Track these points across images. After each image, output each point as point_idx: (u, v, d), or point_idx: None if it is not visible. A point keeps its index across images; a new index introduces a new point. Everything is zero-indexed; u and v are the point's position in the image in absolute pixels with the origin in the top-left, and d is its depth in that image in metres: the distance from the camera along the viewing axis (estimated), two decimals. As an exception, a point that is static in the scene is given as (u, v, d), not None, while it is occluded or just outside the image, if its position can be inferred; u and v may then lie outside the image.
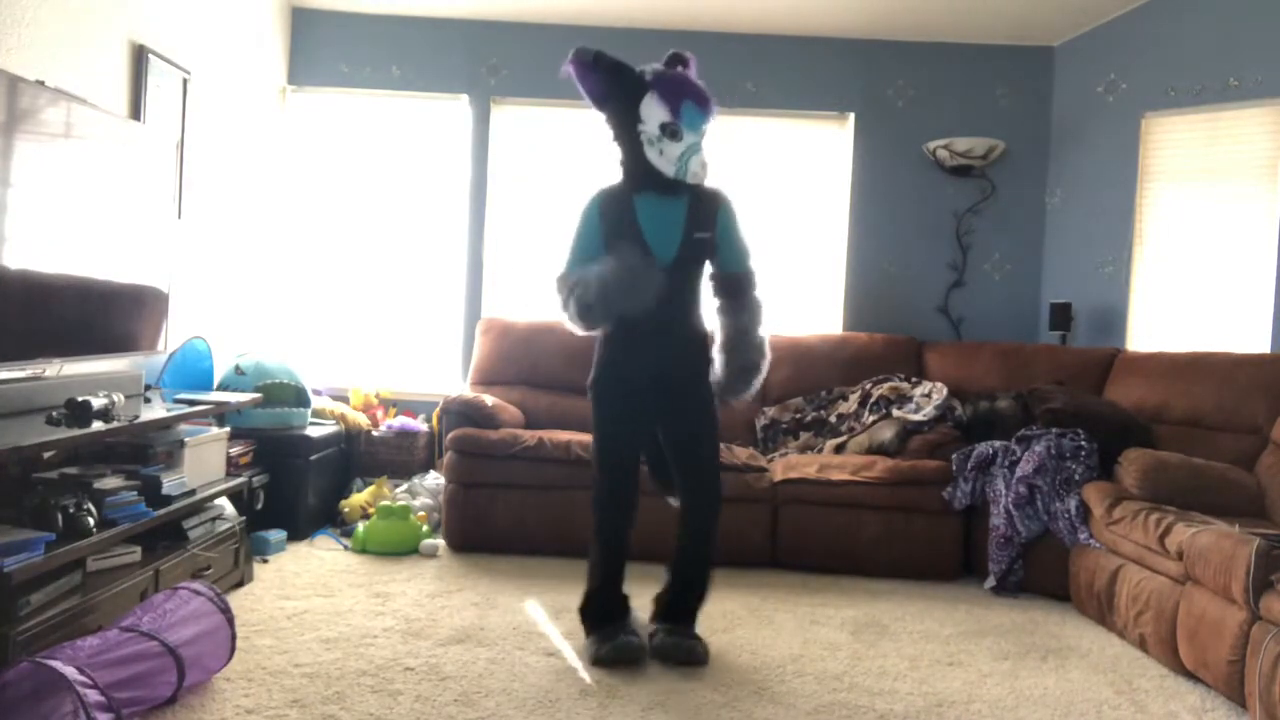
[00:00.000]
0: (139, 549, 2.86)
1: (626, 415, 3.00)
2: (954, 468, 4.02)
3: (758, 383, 3.05)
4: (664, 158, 2.85)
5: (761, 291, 3.08)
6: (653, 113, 2.84)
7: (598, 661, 2.86)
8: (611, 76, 2.89)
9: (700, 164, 2.83)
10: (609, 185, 3.01)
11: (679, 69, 3.00)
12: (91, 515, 2.60)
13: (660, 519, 3.20)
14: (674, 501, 3.15)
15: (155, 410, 3.14)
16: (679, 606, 3.04)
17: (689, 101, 2.83)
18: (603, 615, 2.99)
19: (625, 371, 2.98)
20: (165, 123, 3.91)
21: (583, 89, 2.94)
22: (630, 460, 3.03)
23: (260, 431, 4.11)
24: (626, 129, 2.91)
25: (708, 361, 3.06)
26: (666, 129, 2.82)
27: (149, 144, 3.42)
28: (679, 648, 2.92)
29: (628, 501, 3.01)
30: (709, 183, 2.99)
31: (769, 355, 3.07)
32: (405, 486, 4.57)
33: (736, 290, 3.05)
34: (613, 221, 2.94)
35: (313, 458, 4.25)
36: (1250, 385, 3.92)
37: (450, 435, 4.15)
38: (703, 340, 3.06)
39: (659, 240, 2.91)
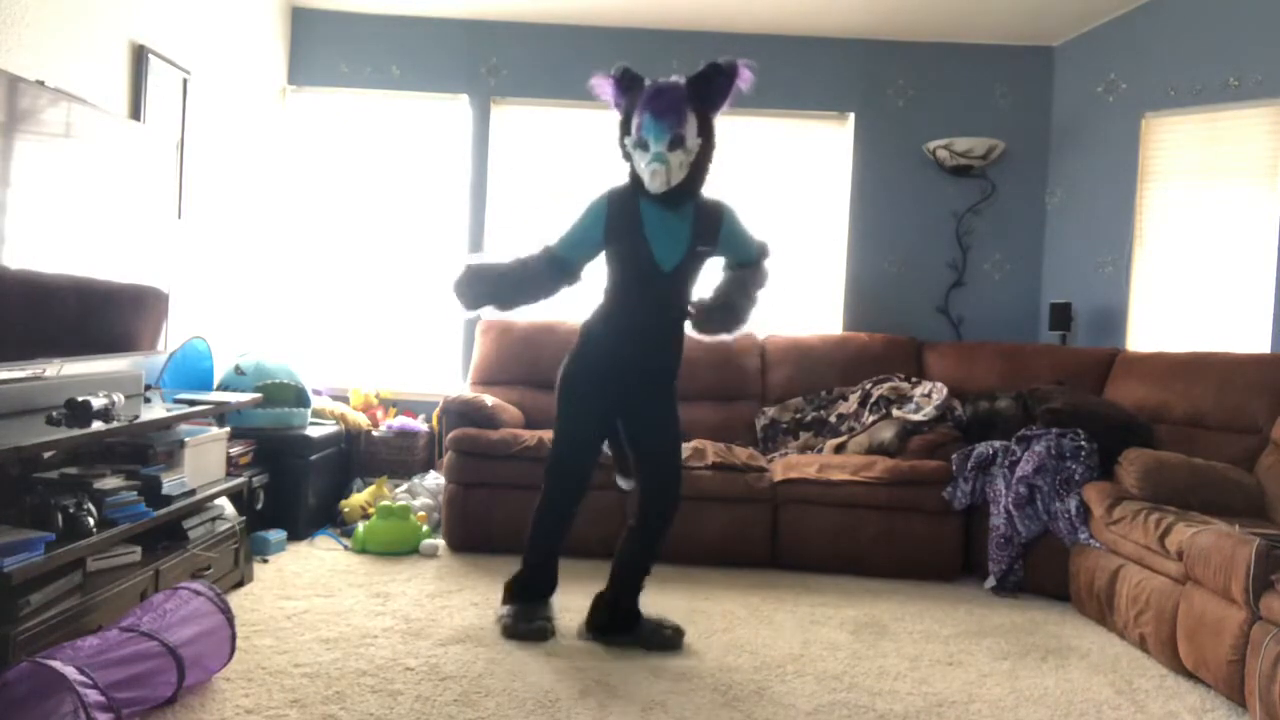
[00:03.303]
0: (139, 549, 2.86)
1: (591, 403, 3.06)
2: (954, 468, 4.02)
3: (737, 327, 3.15)
4: (639, 167, 2.92)
5: (771, 262, 3.20)
6: (634, 124, 2.92)
7: (513, 635, 3.01)
8: (624, 89, 2.96)
9: (651, 173, 2.86)
10: (618, 186, 3.04)
11: (680, 79, 2.97)
12: (91, 515, 2.60)
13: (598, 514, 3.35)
14: (624, 485, 3.24)
15: (155, 410, 3.14)
16: (620, 608, 3.09)
17: (648, 113, 2.86)
18: (531, 591, 3.12)
19: (595, 364, 3.05)
20: (165, 123, 3.91)
21: (611, 102, 3.02)
22: (593, 450, 3.09)
23: (260, 431, 4.11)
24: (621, 140, 3.00)
25: (679, 359, 3.13)
26: (638, 140, 2.90)
27: (149, 144, 3.42)
28: (610, 632, 3.06)
29: (584, 483, 3.10)
30: (708, 193, 3.05)
31: (755, 304, 3.16)
32: (405, 486, 4.57)
33: (752, 264, 3.18)
34: (619, 222, 2.99)
35: (313, 458, 4.25)
36: (1250, 385, 3.92)
37: (450, 435, 4.15)
38: (680, 339, 3.12)
39: (664, 248, 2.97)
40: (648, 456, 3.09)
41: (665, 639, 3.04)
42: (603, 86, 3.00)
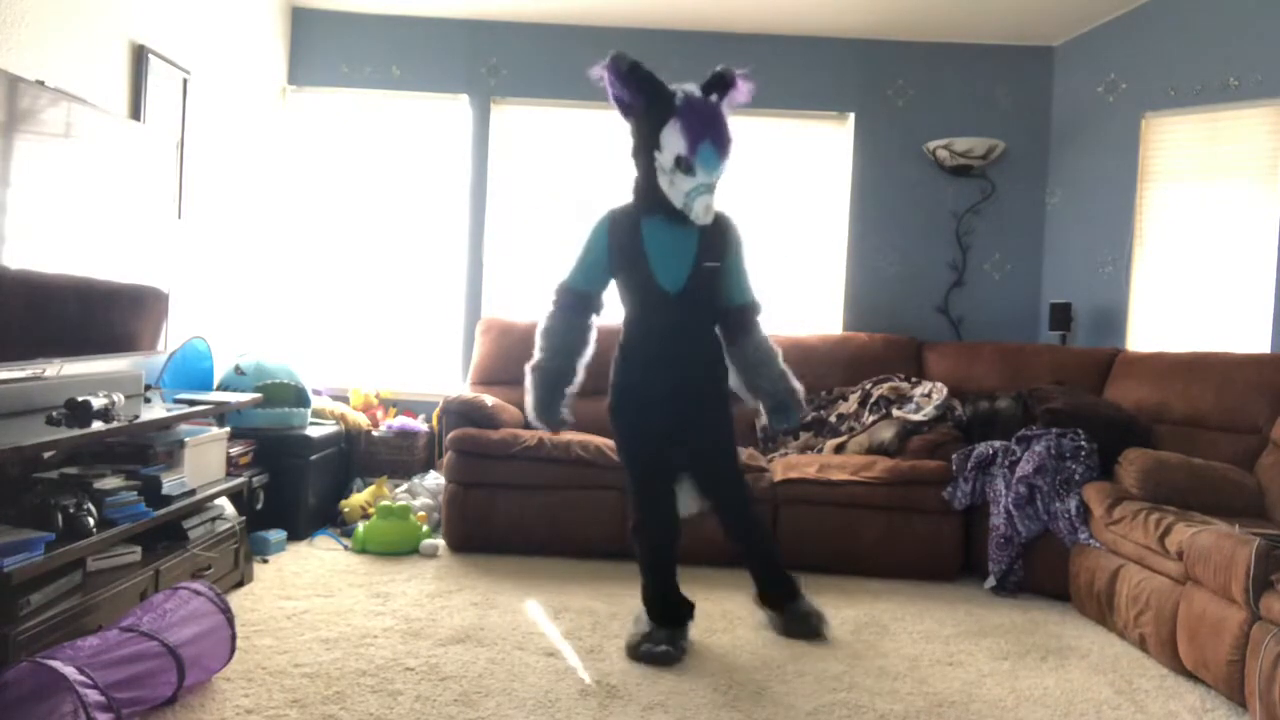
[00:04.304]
0: (139, 549, 2.86)
1: (651, 432, 2.98)
2: (954, 468, 4.01)
3: (800, 412, 3.14)
4: (674, 189, 2.78)
5: (763, 322, 3.10)
6: (671, 142, 2.75)
7: (634, 655, 2.88)
8: (642, 92, 2.80)
9: (705, 207, 2.75)
10: (619, 207, 2.96)
11: (712, 95, 2.86)
12: (91, 515, 2.60)
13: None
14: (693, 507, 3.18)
15: (155, 410, 3.14)
16: (775, 589, 3.19)
17: (707, 142, 2.74)
18: (666, 616, 3.00)
19: (642, 391, 2.97)
20: (165, 123, 3.91)
21: (611, 95, 2.87)
22: (664, 476, 3.02)
23: (260, 431, 4.11)
24: (644, 151, 2.84)
25: (724, 371, 3.06)
26: (681, 162, 2.74)
27: (149, 144, 3.42)
28: (795, 623, 3.12)
29: (668, 519, 3.02)
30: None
31: (797, 384, 3.11)
32: (405, 486, 4.57)
33: (745, 326, 3.05)
34: (621, 247, 2.90)
35: (313, 458, 4.25)
36: (1250, 385, 3.92)
37: (450, 435, 4.15)
38: (717, 353, 3.05)
39: (666, 269, 2.87)
40: (705, 473, 3.05)
41: (810, 628, 3.12)
42: (609, 77, 2.81)
